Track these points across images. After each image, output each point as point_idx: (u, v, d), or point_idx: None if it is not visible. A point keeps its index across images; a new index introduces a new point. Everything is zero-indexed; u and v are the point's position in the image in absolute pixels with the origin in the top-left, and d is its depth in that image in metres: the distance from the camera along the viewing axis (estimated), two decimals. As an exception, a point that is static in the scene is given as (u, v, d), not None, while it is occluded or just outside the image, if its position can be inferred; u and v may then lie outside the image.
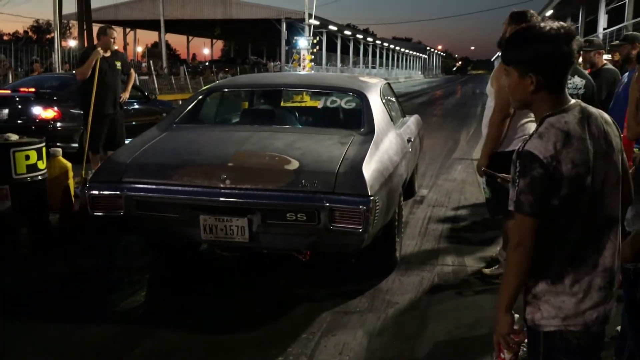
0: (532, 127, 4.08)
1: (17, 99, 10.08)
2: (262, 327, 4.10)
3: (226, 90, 6.51)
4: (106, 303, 4.48)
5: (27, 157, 5.34)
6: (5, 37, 67.18)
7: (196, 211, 4.29)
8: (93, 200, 4.44)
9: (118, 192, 4.38)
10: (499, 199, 4.36)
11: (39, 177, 5.50)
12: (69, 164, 6.50)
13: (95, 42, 8.25)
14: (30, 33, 77.63)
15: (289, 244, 4.45)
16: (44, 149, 5.55)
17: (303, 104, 11.23)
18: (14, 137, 5.47)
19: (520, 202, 2.00)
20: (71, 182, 6.48)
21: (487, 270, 5.09)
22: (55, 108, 9.82)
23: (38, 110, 9.71)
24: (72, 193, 6.40)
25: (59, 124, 9.71)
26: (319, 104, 7.47)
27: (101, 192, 4.44)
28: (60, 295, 4.62)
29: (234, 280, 5.00)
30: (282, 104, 7.36)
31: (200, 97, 5.88)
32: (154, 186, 4.39)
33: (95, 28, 8.26)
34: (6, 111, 9.73)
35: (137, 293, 4.68)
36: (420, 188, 8.37)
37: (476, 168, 5.12)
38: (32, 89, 10.45)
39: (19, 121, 9.57)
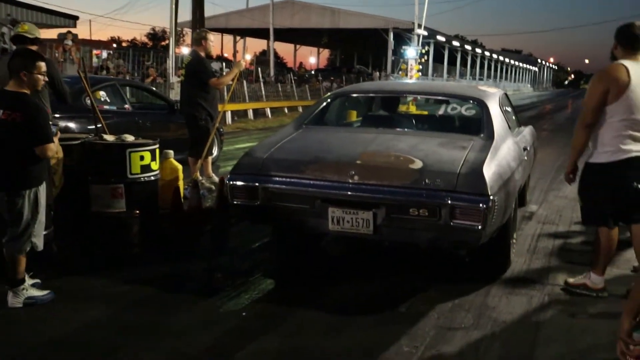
0: None
1: None
2: (362, 338, 4.03)
3: (351, 95, 7.00)
4: (211, 304, 4.55)
5: (142, 158, 5.51)
6: (123, 44, 70.65)
7: (325, 204, 4.69)
8: (233, 190, 4.98)
9: (256, 184, 4.86)
10: (590, 208, 4.77)
11: (152, 178, 5.66)
12: (179, 166, 6.67)
13: (193, 47, 8.32)
14: (146, 40, 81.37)
15: (410, 237, 4.75)
16: (157, 151, 5.72)
17: (410, 113, 11.25)
18: (129, 138, 5.67)
19: None
20: (181, 184, 6.64)
21: (571, 280, 4.97)
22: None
23: None
24: (182, 195, 6.56)
25: None
26: (439, 112, 7.63)
27: (241, 183, 4.94)
28: (167, 295, 4.75)
29: (336, 289, 4.98)
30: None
31: (327, 100, 6.32)
32: (288, 179, 4.82)
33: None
34: None
35: (241, 296, 4.72)
36: (529, 204, 8.06)
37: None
38: None
39: None
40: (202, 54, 7.91)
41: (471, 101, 6.38)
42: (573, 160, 4.87)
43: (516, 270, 5.40)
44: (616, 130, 4.47)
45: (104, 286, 4.82)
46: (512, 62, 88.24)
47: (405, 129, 6.13)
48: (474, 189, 4.38)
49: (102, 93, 9.65)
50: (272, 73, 36.32)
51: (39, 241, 4.46)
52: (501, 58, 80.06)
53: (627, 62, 4.46)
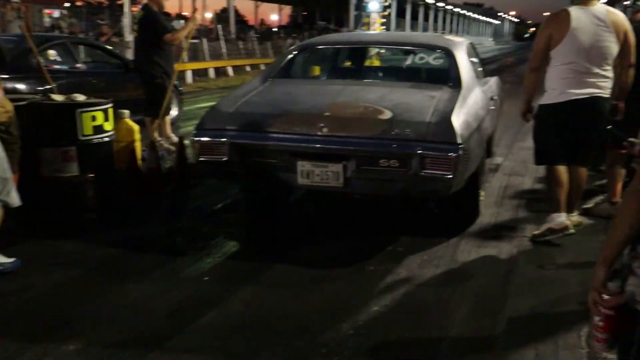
0: None
1: None
2: (329, 300, 3.89)
3: (318, 47, 6.77)
4: (171, 270, 4.36)
5: (94, 118, 5.23)
6: (77, 3, 68.42)
7: (294, 157, 4.58)
8: (199, 146, 4.81)
9: (223, 139, 4.70)
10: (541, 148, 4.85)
11: (106, 139, 5.39)
12: (136, 126, 6.38)
13: (146, 1, 7.85)
14: None
15: (381, 189, 4.69)
16: (110, 110, 5.44)
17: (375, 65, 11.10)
18: (80, 97, 5.38)
19: None
20: (138, 145, 6.38)
21: (536, 232, 4.94)
22: None
23: None
24: (139, 156, 6.32)
25: None
26: (406, 62, 7.55)
27: (207, 139, 4.77)
28: (124, 261, 4.55)
29: (301, 249, 4.83)
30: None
31: (294, 52, 6.15)
32: (255, 133, 4.71)
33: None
34: None
35: (203, 259, 4.55)
36: (494, 156, 7.98)
37: None
38: None
39: None
40: (155, 8, 7.55)
41: (438, 50, 6.34)
42: (525, 101, 4.99)
43: (484, 223, 5.33)
44: (561, 73, 4.63)
45: (58, 254, 4.58)
46: (473, 15, 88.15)
47: (374, 80, 6.08)
48: (444, 137, 4.33)
49: (52, 52, 9.18)
50: (233, 30, 35.56)
51: (9, 198, 4.15)
52: (463, 12, 79.91)
53: (573, 8, 4.59)
